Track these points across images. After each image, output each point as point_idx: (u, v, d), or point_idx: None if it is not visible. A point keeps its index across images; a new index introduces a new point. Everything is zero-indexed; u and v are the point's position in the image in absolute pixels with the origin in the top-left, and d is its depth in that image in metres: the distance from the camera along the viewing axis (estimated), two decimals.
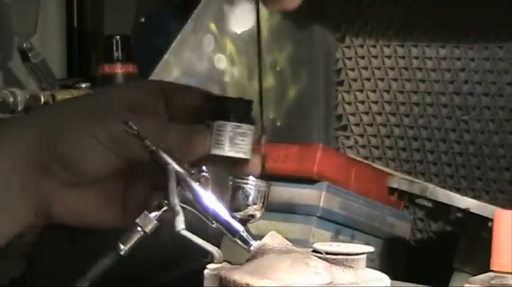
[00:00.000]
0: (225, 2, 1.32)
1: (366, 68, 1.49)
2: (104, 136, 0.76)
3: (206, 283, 0.75)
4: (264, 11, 1.37)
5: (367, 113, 1.50)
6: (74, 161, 0.76)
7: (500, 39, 1.36)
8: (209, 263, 0.77)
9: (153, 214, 0.82)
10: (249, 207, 0.78)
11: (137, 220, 0.82)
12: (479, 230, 1.22)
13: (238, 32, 1.34)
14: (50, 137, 0.76)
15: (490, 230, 0.82)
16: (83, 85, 1.65)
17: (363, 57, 1.49)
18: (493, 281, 0.80)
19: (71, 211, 0.80)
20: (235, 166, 0.79)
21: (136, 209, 0.80)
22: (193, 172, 0.81)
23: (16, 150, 0.76)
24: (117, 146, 0.76)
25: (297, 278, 0.70)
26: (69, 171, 0.76)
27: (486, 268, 0.81)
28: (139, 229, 0.82)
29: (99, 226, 0.82)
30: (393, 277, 0.77)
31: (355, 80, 1.50)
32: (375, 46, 1.47)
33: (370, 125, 1.49)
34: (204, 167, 0.82)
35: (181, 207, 0.80)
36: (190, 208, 0.81)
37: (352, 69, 1.50)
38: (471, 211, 1.27)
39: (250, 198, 0.78)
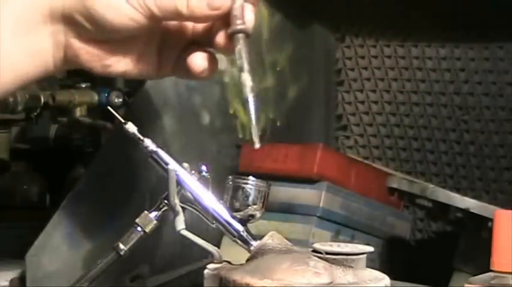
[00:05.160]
0: None
1: (366, 68, 1.49)
2: None
3: (206, 283, 0.75)
4: (264, 11, 1.37)
5: (367, 113, 1.50)
6: (97, 16, 0.76)
7: (500, 39, 1.36)
8: (209, 263, 0.77)
9: (153, 214, 0.82)
10: (249, 207, 0.78)
11: (137, 220, 0.82)
12: (479, 230, 1.22)
13: None
14: None
15: (490, 230, 0.82)
16: (83, 85, 1.64)
17: (363, 57, 1.49)
18: (493, 281, 0.80)
19: (99, 63, 0.80)
20: None
21: (171, 64, 0.82)
22: (193, 172, 0.81)
23: None
24: (143, 7, 0.76)
25: (297, 278, 0.70)
26: (93, 25, 0.77)
27: (486, 268, 0.81)
28: (139, 229, 0.82)
29: (131, 78, 0.84)
30: (393, 277, 0.77)
31: (355, 80, 1.50)
32: (375, 46, 1.47)
33: (370, 125, 1.49)
34: (204, 167, 0.82)
35: (181, 207, 0.80)
36: (190, 208, 0.81)
37: (352, 69, 1.50)
38: (471, 211, 1.27)
39: (250, 198, 0.78)
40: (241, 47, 0.77)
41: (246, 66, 0.77)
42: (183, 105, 1.23)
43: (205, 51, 0.81)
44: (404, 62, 1.45)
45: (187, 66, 0.81)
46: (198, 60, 0.81)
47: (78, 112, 1.66)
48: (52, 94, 1.61)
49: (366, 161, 1.46)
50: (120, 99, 1.62)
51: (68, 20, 0.78)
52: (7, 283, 1.10)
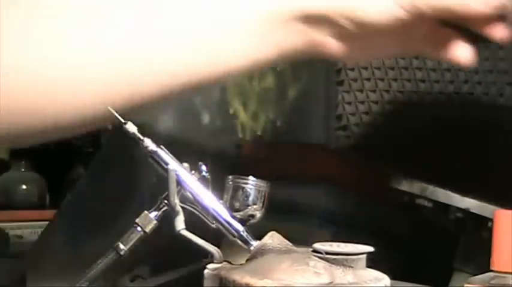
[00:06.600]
0: None
1: (366, 68, 1.49)
2: None
3: (206, 283, 0.75)
4: None
5: (367, 113, 1.49)
6: (364, 17, 0.75)
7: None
8: (209, 263, 0.77)
9: (153, 214, 0.82)
10: (249, 207, 0.78)
11: (137, 220, 0.82)
12: (479, 230, 1.22)
13: None
14: None
15: (490, 230, 0.82)
16: None
17: None
18: (493, 281, 0.80)
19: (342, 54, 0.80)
20: None
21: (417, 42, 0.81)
22: (193, 172, 0.81)
23: None
24: (414, 8, 0.74)
25: (297, 278, 0.70)
26: (354, 25, 0.76)
27: (486, 268, 0.81)
28: (139, 229, 0.82)
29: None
30: (393, 277, 0.77)
31: (355, 80, 1.50)
32: None
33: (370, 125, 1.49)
34: (204, 167, 0.82)
35: (181, 207, 0.80)
36: (190, 208, 0.81)
37: (352, 69, 1.50)
38: (471, 211, 1.27)
39: (250, 198, 0.78)
40: None
41: None
42: (183, 105, 1.22)
43: (464, 37, 0.78)
44: (404, 62, 1.45)
45: (448, 54, 0.79)
46: (465, 53, 0.80)
47: None
48: None
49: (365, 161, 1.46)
50: None
51: (321, 20, 0.77)
52: (7, 283, 1.10)
